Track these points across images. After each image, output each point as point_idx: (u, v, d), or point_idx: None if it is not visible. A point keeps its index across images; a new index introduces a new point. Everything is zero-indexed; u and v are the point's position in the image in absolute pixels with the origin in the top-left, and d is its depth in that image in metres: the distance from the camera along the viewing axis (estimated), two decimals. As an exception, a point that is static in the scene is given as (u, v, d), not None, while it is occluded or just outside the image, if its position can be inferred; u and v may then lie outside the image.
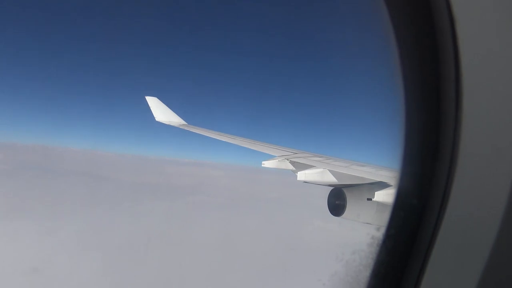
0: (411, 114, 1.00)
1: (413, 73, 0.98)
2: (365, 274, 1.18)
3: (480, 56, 0.84)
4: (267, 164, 8.45)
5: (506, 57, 0.81)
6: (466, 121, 0.86)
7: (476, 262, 0.90)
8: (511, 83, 0.81)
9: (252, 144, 9.47)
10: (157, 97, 10.40)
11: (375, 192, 6.12)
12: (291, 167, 8.26)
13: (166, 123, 10.10)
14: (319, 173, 7.74)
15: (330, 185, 7.71)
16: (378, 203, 6.21)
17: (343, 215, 7.43)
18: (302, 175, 7.83)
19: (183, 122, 10.21)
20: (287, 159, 8.36)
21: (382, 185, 6.33)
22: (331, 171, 7.63)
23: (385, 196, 5.68)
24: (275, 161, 8.42)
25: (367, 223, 6.88)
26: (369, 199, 6.75)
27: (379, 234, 1.15)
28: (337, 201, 7.55)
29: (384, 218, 1.16)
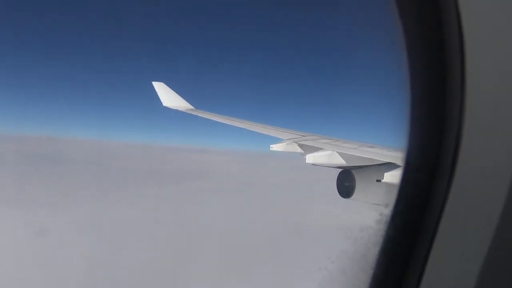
0: (418, 96, 1.01)
1: (420, 58, 1.00)
2: (374, 251, 1.17)
3: (484, 47, 0.86)
4: (275, 147, 8.45)
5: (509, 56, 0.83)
6: (470, 99, 0.88)
7: (483, 233, 0.91)
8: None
9: (260, 127, 9.45)
10: (164, 83, 10.40)
11: (384, 173, 6.09)
12: (299, 150, 8.25)
13: (174, 108, 10.10)
14: (327, 156, 7.73)
15: (339, 167, 7.69)
16: (387, 184, 6.19)
17: (353, 197, 7.42)
18: (310, 158, 7.82)
19: (190, 106, 10.20)
20: (295, 142, 8.34)
21: (391, 166, 6.30)
22: (339, 153, 7.61)
23: (394, 177, 5.65)
24: (283, 144, 8.40)
25: (377, 204, 6.87)
26: (378, 180, 6.71)
27: (387, 211, 1.15)
28: (346, 183, 7.54)
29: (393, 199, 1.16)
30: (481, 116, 0.88)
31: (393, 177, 5.77)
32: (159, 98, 10.27)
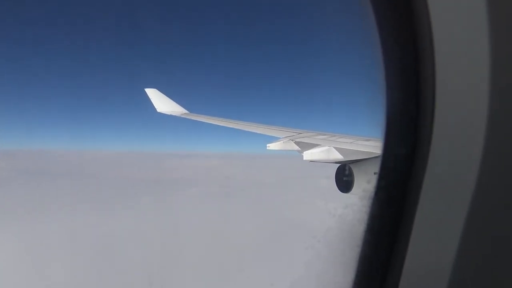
0: (393, 94, 1.10)
1: (394, 59, 1.07)
2: (360, 228, 1.16)
3: (452, 47, 0.93)
4: (272, 146, 8.42)
5: (474, 56, 0.88)
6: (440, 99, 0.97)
7: (458, 208, 0.96)
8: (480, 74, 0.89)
9: (255, 127, 9.43)
10: (157, 89, 10.35)
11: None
12: (296, 147, 8.22)
13: (168, 113, 10.07)
14: (324, 151, 7.71)
15: (336, 162, 7.66)
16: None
17: (352, 191, 7.39)
18: (308, 155, 7.80)
19: (184, 111, 10.17)
20: (292, 140, 8.31)
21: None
22: (336, 148, 7.60)
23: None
24: (279, 143, 8.38)
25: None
26: (376, 173, 6.66)
27: (370, 187, 1.16)
28: (344, 178, 7.51)
29: None
30: (449, 110, 0.95)
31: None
32: (152, 105, 10.25)
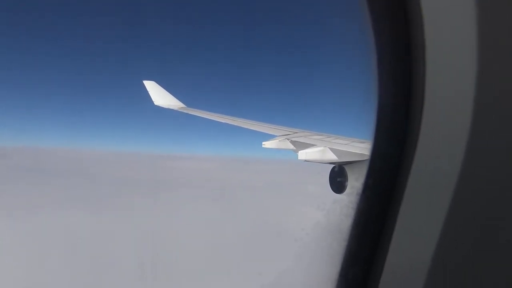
0: (384, 94, 1.13)
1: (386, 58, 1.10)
2: (347, 223, 1.19)
3: (443, 53, 0.96)
4: (267, 144, 8.42)
5: (465, 56, 0.91)
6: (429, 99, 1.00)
7: (443, 201, 0.99)
8: (470, 75, 0.91)
9: (252, 125, 9.43)
10: (155, 82, 10.34)
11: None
12: (291, 146, 8.23)
13: (165, 106, 10.05)
14: (319, 152, 7.72)
15: (331, 163, 7.68)
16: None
17: (345, 192, 7.40)
18: (303, 154, 7.81)
19: (182, 105, 10.16)
20: (288, 139, 8.32)
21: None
22: (331, 149, 7.61)
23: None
24: (275, 141, 8.39)
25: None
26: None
27: (358, 184, 1.19)
28: (338, 179, 7.51)
29: None
30: (436, 112, 0.99)
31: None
32: (150, 97, 10.23)
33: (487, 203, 0.99)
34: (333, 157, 7.54)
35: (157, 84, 10.31)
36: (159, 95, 10.16)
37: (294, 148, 8.23)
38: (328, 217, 1.29)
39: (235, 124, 9.53)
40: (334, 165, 7.55)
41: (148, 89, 10.21)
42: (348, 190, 7.24)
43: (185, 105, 10.26)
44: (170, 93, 10.36)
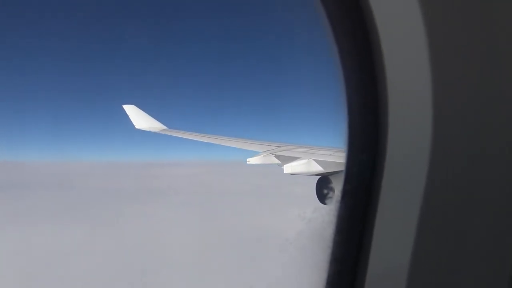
0: (350, 99, 1.15)
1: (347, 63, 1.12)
2: (329, 230, 1.19)
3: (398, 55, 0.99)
4: (252, 161, 8.39)
5: (418, 57, 0.93)
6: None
7: (413, 207, 1.03)
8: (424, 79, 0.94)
9: (235, 142, 9.42)
10: (135, 105, 10.28)
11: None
12: (276, 161, 8.22)
13: (147, 129, 9.99)
14: (304, 164, 7.72)
15: (317, 174, 7.69)
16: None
17: (332, 202, 7.37)
18: (288, 168, 7.81)
19: (163, 127, 10.11)
20: (272, 154, 8.32)
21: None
22: (316, 161, 7.63)
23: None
24: (260, 157, 8.37)
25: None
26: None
27: (337, 192, 1.20)
28: (325, 190, 7.51)
29: None
30: (400, 114, 1.02)
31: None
32: (131, 121, 10.15)
33: (456, 199, 1.02)
34: (318, 168, 7.56)
35: (137, 108, 10.25)
36: (140, 119, 10.10)
37: (279, 162, 8.22)
38: (311, 225, 1.28)
39: (218, 143, 9.51)
40: (319, 176, 7.57)
41: (128, 113, 10.14)
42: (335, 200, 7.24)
43: (167, 126, 10.21)
44: (152, 115, 10.33)
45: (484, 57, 0.94)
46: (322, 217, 1.22)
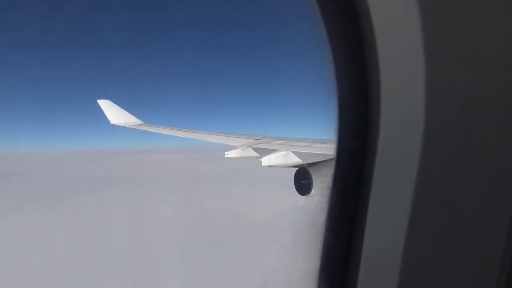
0: (341, 92, 1.17)
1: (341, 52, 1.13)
2: (322, 217, 1.21)
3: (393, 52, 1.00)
4: (230, 154, 8.37)
5: (412, 57, 0.95)
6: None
7: (405, 193, 1.05)
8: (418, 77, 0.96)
9: (213, 136, 9.37)
10: (109, 100, 10.05)
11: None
12: (254, 154, 8.23)
13: (122, 125, 9.79)
14: (282, 156, 7.77)
15: (295, 166, 7.75)
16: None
17: (311, 193, 7.48)
18: (266, 160, 7.83)
19: (139, 122, 9.93)
20: (250, 147, 8.33)
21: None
22: (294, 152, 7.69)
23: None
24: (238, 150, 8.36)
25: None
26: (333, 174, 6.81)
27: (328, 179, 1.22)
28: (303, 181, 7.58)
29: None
30: (392, 107, 1.03)
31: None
32: (106, 116, 9.92)
33: (448, 185, 1.04)
34: (296, 160, 7.62)
35: (112, 103, 10.02)
36: (115, 114, 9.88)
37: (257, 155, 8.24)
38: (303, 213, 1.30)
39: (195, 138, 9.43)
40: (298, 168, 7.64)
41: (103, 108, 9.90)
42: (313, 191, 7.34)
43: (144, 121, 10.05)
44: (128, 109, 10.13)
45: (479, 54, 0.96)
46: (314, 205, 1.24)
